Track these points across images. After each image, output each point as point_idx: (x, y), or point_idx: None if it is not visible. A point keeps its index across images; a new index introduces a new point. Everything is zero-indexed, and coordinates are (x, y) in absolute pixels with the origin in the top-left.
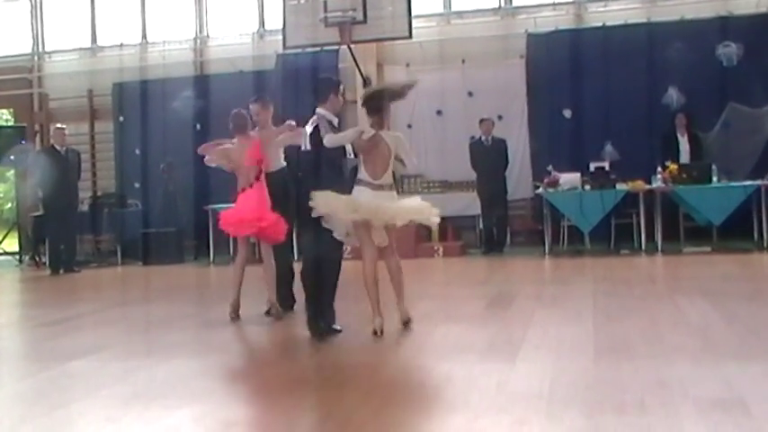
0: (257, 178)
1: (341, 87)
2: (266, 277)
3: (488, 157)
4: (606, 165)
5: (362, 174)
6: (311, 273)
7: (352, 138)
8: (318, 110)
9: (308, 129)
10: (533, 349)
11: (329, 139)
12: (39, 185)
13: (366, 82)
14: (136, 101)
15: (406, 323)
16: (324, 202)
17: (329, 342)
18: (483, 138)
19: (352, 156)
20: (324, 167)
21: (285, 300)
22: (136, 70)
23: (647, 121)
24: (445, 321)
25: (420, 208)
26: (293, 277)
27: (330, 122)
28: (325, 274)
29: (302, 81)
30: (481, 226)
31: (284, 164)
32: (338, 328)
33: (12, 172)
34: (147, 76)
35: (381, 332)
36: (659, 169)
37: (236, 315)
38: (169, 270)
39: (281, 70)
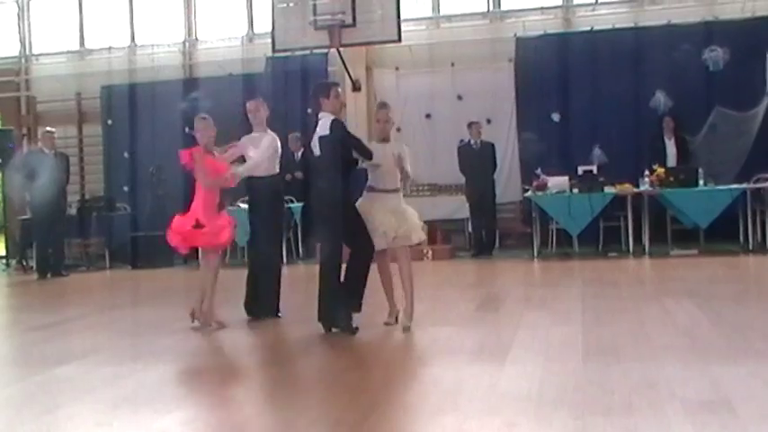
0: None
1: (338, 89)
2: (201, 284)
3: (477, 161)
4: (594, 168)
5: (375, 182)
6: (334, 267)
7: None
8: (323, 113)
9: (321, 132)
10: (523, 351)
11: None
12: (26, 189)
13: (355, 85)
14: (124, 104)
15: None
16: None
17: (331, 342)
18: (472, 141)
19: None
20: (335, 172)
21: (268, 308)
22: (124, 73)
23: (634, 125)
24: (435, 324)
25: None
26: (280, 284)
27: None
28: (358, 265)
29: (292, 84)
30: (470, 229)
31: (274, 171)
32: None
33: None
34: (135, 79)
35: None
36: (647, 172)
37: (198, 320)
38: (158, 274)
39: (271, 73)
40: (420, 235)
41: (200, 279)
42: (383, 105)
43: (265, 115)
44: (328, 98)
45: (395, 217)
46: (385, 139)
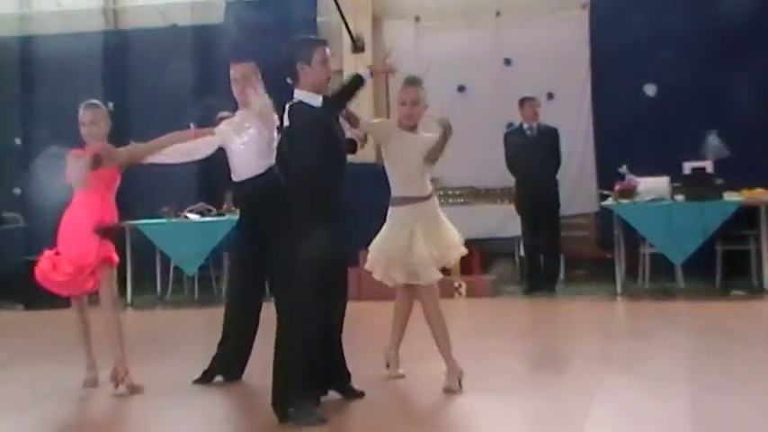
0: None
1: (326, 50)
2: (112, 331)
3: (532, 154)
4: (709, 165)
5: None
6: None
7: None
8: (298, 90)
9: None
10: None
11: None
12: None
13: (357, 44)
14: (14, 66)
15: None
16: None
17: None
18: (525, 126)
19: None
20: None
21: (236, 367)
22: (14, 20)
23: None
24: (471, 390)
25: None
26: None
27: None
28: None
29: (264, 41)
30: (522, 253)
31: (259, 171)
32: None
33: None
34: (31, 29)
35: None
36: None
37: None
38: (65, 316)
39: (233, 25)
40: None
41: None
42: (412, 81)
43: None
44: (309, 64)
45: (425, 239)
46: (413, 128)
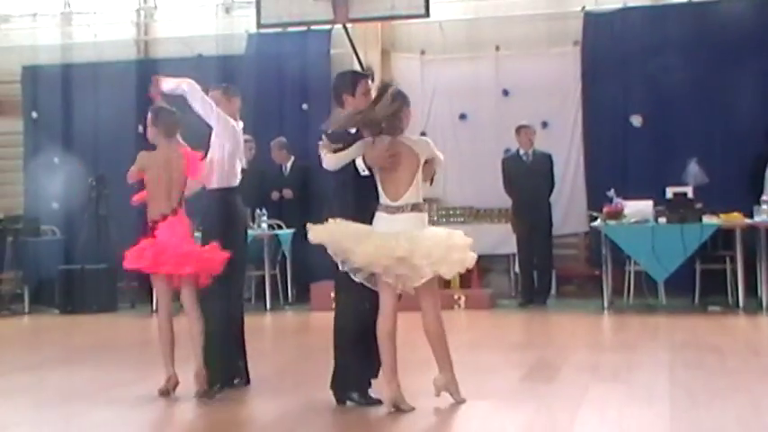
0: (181, 203)
1: (368, 82)
2: (196, 336)
3: (528, 178)
4: (689, 190)
5: (381, 197)
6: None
7: (358, 153)
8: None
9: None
10: None
11: (329, 161)
12: None
13: (366, 74)
14: (55, 91)
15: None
16: (325, 231)
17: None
18: (521, 151)
19: (366, 173)
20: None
21: (224, 369)
22: (56, 50)
23: (748, 132)
24: (468, 397)
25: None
26: (242, 335)
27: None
28: (359, 328)
29: (282, 71)
30: (517, 269)
31: (231, 183)
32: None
33: None
34: (71, 58)
35: (397, 408)
36: (765, 197)
37: (169, 390)
38: (97, 321)
39: (254, 55)
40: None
41: (192, 329)
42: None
43: (234, 110)
44: (353, 95)
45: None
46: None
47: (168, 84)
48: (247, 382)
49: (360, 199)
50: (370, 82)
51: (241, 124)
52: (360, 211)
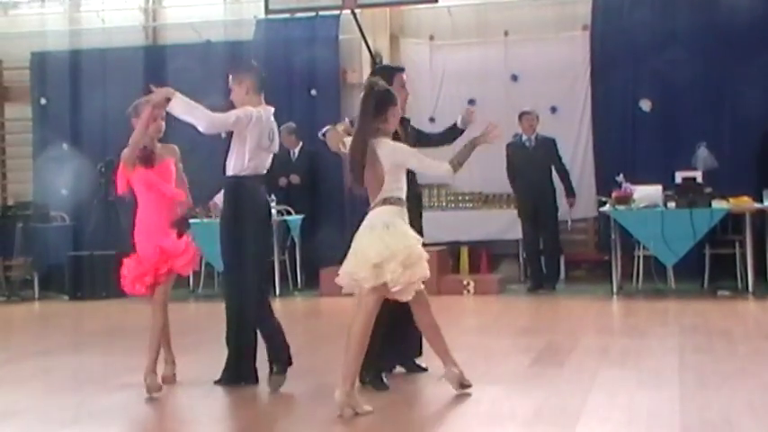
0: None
1: (403, 75)
2: (155, 336)
3: (531, 164)
4: (699, 175)
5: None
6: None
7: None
8: None
9: None
10: (596, 423)
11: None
12: None
13: (375, 60)
14: (64, 77)
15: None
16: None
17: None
18: (524, 137)
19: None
20: None
21: (246, 370)
22: (64, 36)
23: (759, 116)
24: (477, 382)
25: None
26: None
27: None
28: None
29: (291, 56)
30: (524, 254)
31: (256, 170)
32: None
33: None
34: (79, 44)
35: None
36: None
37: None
38: (106, 307)
39: (263, 41)
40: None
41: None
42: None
43: (243, 94)
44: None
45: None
46: None
47: (178, 108)
48: (255, 381)
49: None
50: (404, 75)
51: (271, 110)
52: None
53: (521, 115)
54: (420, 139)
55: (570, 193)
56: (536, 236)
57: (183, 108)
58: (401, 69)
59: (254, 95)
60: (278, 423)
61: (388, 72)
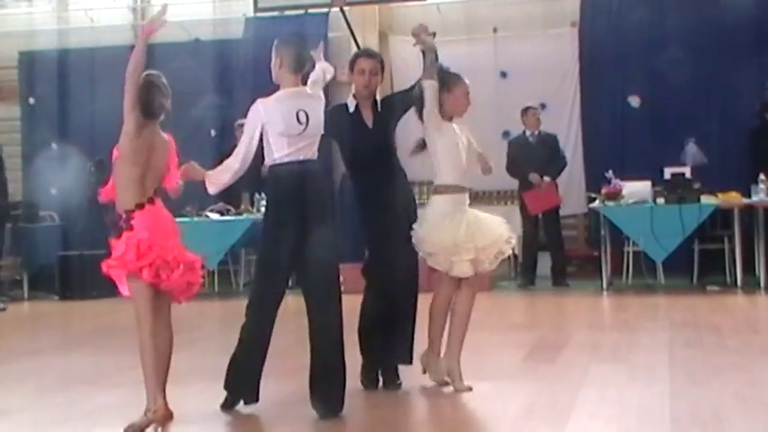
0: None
1: (466, 84)
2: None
3: (535, 159)
4: (687, 171)
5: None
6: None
7: None
8: None
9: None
10: (587, 418)
11: None
12: None
13: None
14: (52, 77)
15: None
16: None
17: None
18: (527, 133)
19: None
20: None
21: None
22: (52, 35)
23: (747, 112)
24: (469, 378)
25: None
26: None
27: None
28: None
29: None
30: (517, 251)
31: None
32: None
33: None
34: (67, 43)
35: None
36: (762, 177)
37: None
38: (97, 307)
39: (252, 40)
40: None
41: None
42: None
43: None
44: (450, 92)
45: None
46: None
47: (213, 188)
48: (256, 400)
49: None
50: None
51: (300, 91)
52: None
53: (525, 110)
54: (394, 104)
55: (551, 175)
56: (536, 233)
57: (217, 187)
58: (459, 78)
59: (287, 73)
60: (271, 422)
61: (446, 77)
